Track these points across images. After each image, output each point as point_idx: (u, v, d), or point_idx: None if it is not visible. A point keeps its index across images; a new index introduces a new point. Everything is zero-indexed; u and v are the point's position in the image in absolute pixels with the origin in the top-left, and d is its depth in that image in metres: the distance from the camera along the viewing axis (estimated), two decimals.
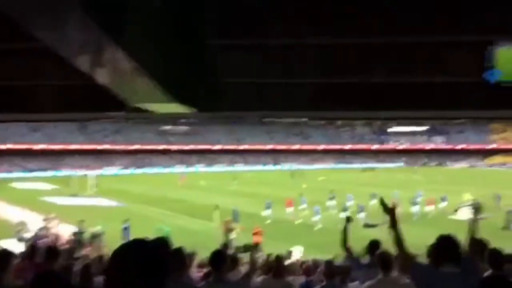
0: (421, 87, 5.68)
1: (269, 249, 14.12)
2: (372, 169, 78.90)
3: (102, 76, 3.69)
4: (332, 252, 12.68)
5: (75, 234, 20.03)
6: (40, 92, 6.41)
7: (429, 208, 31.69)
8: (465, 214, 30.48)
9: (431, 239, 4.50)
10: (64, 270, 5.86)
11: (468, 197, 33.31)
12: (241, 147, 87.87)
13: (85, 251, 11.87)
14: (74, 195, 43.30)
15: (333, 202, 32.77)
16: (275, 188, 48.95)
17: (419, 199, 32.77)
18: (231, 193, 44.18)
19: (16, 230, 21.59)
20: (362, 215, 27.79)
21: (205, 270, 7.75)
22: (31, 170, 67.93)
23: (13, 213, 30.22)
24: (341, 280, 6.19)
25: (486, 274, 4.62)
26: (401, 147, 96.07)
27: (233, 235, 22.33)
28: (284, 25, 4.27)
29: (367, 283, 5.18)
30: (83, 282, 5.60)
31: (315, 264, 9.69)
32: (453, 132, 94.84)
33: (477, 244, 5.05)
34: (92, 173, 52.34)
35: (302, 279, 7.91)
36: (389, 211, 4.45)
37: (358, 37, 4.41)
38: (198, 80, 5.06)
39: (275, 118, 75.48)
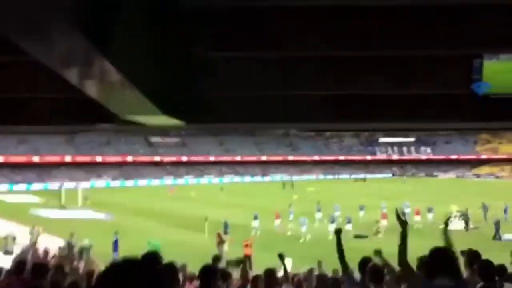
0: (408, 99, 5.72)
1: (258, 261, 14.04)
2: (363, 179, 79.33)
3: (90, 89, 3.66)
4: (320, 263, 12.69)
5: (63, 247, 19.79)
6: (29, 104, 6.37)
7: (417, 218, 31.80)
8: (454, 224, 30.65)
9: (419, 250, 4.50)
10: (52, 286, 5.77)
11: (455, 208, 33.46)
12: (231, 158, 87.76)
13: (73, 266, 11.69)
14: (63, 207, 42.89)
15: (319, 214, 32.75)
16: (266, 199, 48.88)
17: (406, 210, 32.88)
18: (221, 204, 44.02)
19: (3, 244, 21.30)
20: (349, 226, 27.79)
21: (195, 283, 7.68)
22: (18, 182, 67.22)
23: (0, 226, 29.86)
24: None
25: (478, 286, 4.62)
26: (388, 157, 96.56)
27: (225, 247, 22.28)
28: (273, 38, 4.28)
29: None
30: None
31: (306, 277, 9.64)
32: (440, 142, 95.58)
33: (468, 256, 5.06)
34: (80, 185, 51.90)
35: None
36: (404, 224, 4.53)
37: (346, 50, 4.43)
38: (187, 92, 5.05)
39: (264, 130, 75.63)
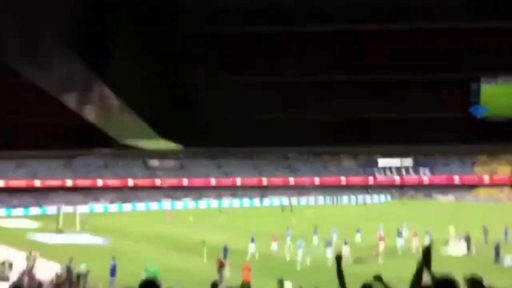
0: (407, 122, 5.73)
1: (257, 285, 13.88)
2: (364, 204, 79.04)
3: (89, 114, 3.66)
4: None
5: (61, 273, 19.57)
6: (27, 129, 6.36)
7: (415, 241, 31.49)
8: (455, 248, 30.43)
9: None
10: None
11: (453, 230, 33.23)
12: (229, 181, 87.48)
13: None
14: (60, 232, 42.54)
15: (316, 238, 32.46)
16: (264, 222, 48.58)
17: (404, 233, 32.70)
18: (219, 228, 43.72)
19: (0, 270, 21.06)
20: (347, 249, 27.52)
21: None
22: (16, 207, 66.80)
23: None
24: None
25: None
26: (387, 180, 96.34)
27: (226, 272, 22.06)
28: (271, 62, 4.31)
29: None
30: None
31: None
32: (438, 164, 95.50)
33: (471, 282, 4.96)
34: (78, 209, 51.59)
35: None
36: (428, 255, 4.43)
37: (345, 74, 4.46)
38: (185, 116, 5.06)
39: (262, 154, 75.61)
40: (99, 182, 77.64)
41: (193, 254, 29.68)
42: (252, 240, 29.25)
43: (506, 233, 33.72)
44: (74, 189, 75.18)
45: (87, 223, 46.37)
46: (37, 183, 72.46)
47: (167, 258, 29.07)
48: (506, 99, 4.42)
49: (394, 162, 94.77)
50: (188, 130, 5.23)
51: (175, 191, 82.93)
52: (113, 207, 72.98)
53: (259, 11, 3.54)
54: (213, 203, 79.05)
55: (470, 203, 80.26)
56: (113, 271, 21.56)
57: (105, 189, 77.82)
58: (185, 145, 5.30)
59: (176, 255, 30.57)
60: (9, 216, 59.30)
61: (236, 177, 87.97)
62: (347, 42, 4.07)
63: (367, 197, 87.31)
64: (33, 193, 71.38)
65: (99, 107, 3.56)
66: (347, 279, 5.84)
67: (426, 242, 30.99)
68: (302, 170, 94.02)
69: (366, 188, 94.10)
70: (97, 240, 37.97)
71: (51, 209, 61.97)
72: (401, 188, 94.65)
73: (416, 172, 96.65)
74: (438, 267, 4.15)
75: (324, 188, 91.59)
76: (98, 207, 71.19)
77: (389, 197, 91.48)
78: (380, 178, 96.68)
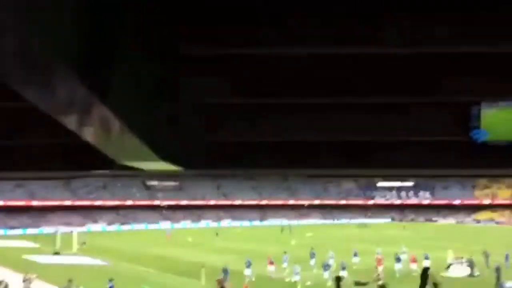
0: (407, 146, 5.72)
1: None
2: (364, 225, 78.52)
3: (88, 135, 3.64)
4: None
5: None
6: (26, 150, 6.34)
7: (414, 265, 31.17)
8: (457, 271, 30.18)
9: None
10: None
11: (451, 254, 32.96)
12: (228, 202, 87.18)
13: None
14: (57, 253, 42.20)
15: (313, 260, 32.09)
16: (264, 244, 48.25)
17: (403, 256, 32.43)
18: (218, 250, 43.40)
19: None
20: (344, 272, 27.27)
21: None
22: (12, 228, 66.40)
23: None
24: None
25: None
26: (387, 202, 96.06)
27: None
28: (271, 84, 4.31)
29: None
30: None
31: None
32: (438, 187, 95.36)
33: None
34: (76, 230, 51.28)
35: None
36: (425, 276, 4.38)
37: (345, 97, 4.46)
38: (185, 138, 5.04)
39: (263, 176, 75.51)
40: (97, 203, 77.37)
41: (191, 276, 29.39)
42: (249, 265, 28.74)
43: (507, 257, 33.44)
44: (72, 210, 74.89)
45: (85, 244, 46.05)
46: (35, 203, 72.18)
47: (166, 280, 28.78)
48: (507, 123, 4.42)
49: (394, 184, 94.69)
50: (188, 152, 5.21)
51: (174, 212, 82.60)
52: (111, 228, 72.59)
53: (262, 33, 3.55)
54: (212, 224, 78.68)
55: (470, 226, 79.95)
56: None
57: (104, 209, 77.51)
58: (185, 167, 5.27)
59: (174, 277, 30.27)
60: (6, 237, 58.87)
61: (235, 199, 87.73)
62: (346, 65, 4.08)
63: (367, 219, 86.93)
64: (31, 213, 71.06)
65: (99, 128, 3.54)
66: None
67: (425, 265, 30.80)
68: (302, 191, 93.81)
69: (366, 210, 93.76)
70: (95, 261, 37.65)
71: (49, 230, 61.64)
72: (402, 211, 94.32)
73: (416, 195, 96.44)
74: None
75: (323, 210, 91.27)
76: (96, 227, 70.82)
77: (389, 219, 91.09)
78: (380, 200, 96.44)
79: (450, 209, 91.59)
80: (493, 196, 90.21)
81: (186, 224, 78.65)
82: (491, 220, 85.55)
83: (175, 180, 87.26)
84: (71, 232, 49.18)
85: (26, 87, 2.57)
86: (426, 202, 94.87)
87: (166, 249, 45.40)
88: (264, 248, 42.30)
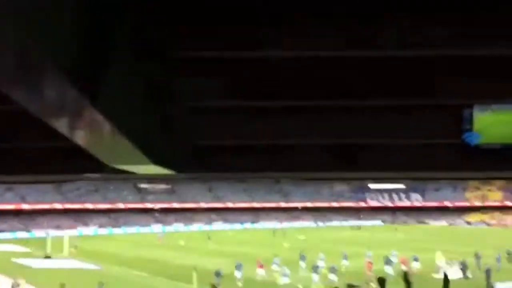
0: (398, 148, 5.72)
1: None
2: (358, 227, 78.63)
3: (79, 138, 3.61)
4: None
5: None
6: (16, 153, 6.28)
7: (404, 267, 31.25)
8: (448, 273, 30.25)
9: None
10: None
11: (440, 256, 33.01)
12: (220, 205, 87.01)
13: None
14: (48, 257, 41.87)
15: (303, 263, 32.08)
16: (256, 247, 48.16)
17: (393, 258, 32.50)
18: (210, 253, 43.27)
19: None
20: (333, 276, 27.30)
21: None
22: (2, 231, 65.82)
23: None
24: None
25: None
26: (379, 204, 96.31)
27: None
28: (263, 88, 4.29)
29: None
30: None
31: None
32: (430, 189, 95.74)
33: None
34: (67, 233, 50.93)
35: None
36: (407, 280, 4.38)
37: (336, 100, 4.45)
38: (178, 142, 5.01)
39: (255, 179, 75.49)
40: (89, 206, 76.89)
41: (183, 280, 29.26)
42: (239, 268, 28.70)
43: (498, 259, 33.62)
44: (63, 213, 74.37)
45: (77, 247, 45.73)
46: (26, 207, 71.60)
47: (157, 284, 28.64)
48: (499, 126, 4.43)
49: (386, 187, 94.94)
50: (181, 155, 5.18)
51: (166, 215, 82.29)
52: (103, 231, 72.16)
53: (256, 35, 3.53)
54: (205, 227, 78.46)
55: (461, 228, 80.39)
56: None
57: (95, 212, 77.07)
58: (177, 171, 5.24)
59: (166, 281, 30.13)
60: None
61: (227, 201, 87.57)
62: (339, 66, 4.07)
63: (359, 221, 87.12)
64: (22, 217, 70.49)
65: (90, 131, 3.51)
66: None
67: (415, 267, 30.87)
68: (294, 194, 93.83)
69: (358, 212, 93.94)
70: (86, 265, 37.39)
71: (39, 234, 61.16)
72: (393, 213, 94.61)
73: (408, 197, 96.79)
74: None
75: (316, 212, 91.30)
76: (88, 231, 70.37)
77: (381, 222, 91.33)
78: (372, 203, 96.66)
79: (441, 211, 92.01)
80: (484, 198, 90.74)
81: (178, 227, 78.35)
82: (482, 222, 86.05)
83: (167, 183, 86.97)
84: (62, 235, 48.84)
85: (17, 89, 2.53)
86: (417, 204, 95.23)
87: (158, 252, 45.20)
88: (256, 251, 42.21)
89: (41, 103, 2.82)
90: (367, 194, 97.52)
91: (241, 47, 3.59)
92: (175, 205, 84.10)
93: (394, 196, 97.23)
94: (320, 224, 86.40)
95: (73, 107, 2.87)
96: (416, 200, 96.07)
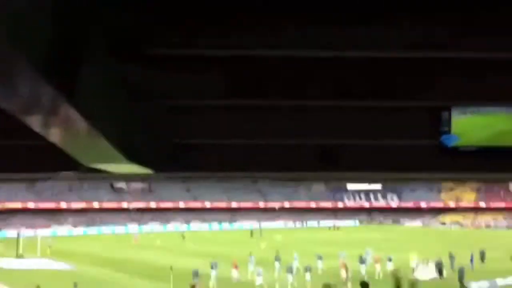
0: (375, 149, 5.76)
1: None
2: (337, 227, 79.12)
3: (54, 136, 3.52)
4: None
5: None
6: None
7: (378, 267, 31.65)
8: (424, 273, 30.69)
9: None
10: None
11: (414, 256, 33.46)
12: (198, 205, 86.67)
13: None
14: (20, 257, 41.10)
15: (278, 263, 32.19)
16: (233, 247, 48.09)
17: (368, 258, 32.85)
18: (187, 253, 43.04)
19: None
20: (308, 275, 27.51)
21: None
22: None
23: None
24: None
25: None
26: (356, 205, 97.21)
27: None
28: (240, 86, 4.27)
29: None
30: None
31: None
32: (406, 190, 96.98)
33: None
34: (40, 233, 50.07)
35: None
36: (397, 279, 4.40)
37: (314, 100, 4.44)
38: (155, 141, 4.95)
39: (233, 178, 75.40)
40: (63, 205, 75.72)
41: (159, 280, 29.05)
42: (214, 268, 28.67)
43: (471, 259, 34.23)
44: (36, 212, 73.11)
45: (50, 247, 45.00)
46: None
47: (133, 285, 28.37)
48: (477, 128, 4.48)
49: (363, 187, 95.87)
50: (158, 154, 5.12)
51: (142, 215, 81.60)
52: (78, 231, 71.19)
53: (238, 34, 3.50)
54: (182, 227, 78.02)
55: (436, 229, 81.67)
56: None
57: (70, 212, 75.97)
58: (155, 170, 5.17)
59: (142, 282, 29.87)
60: None
61: (205, 201, 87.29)
62: (318, 68, 4.06)
63: (336, 221, 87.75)
64: None
65: (65, 129, 3.43)
66: None
67: (389, 267, 31.23)
68: (272, 194, 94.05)
69: (335, 213, 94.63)
70: (60, 265, 36.82)
71: (11, 233, 59.91)
72: (370, 213, 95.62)
73: (384, 197, 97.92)
74: None
75: (293, 213, 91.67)
76: (62, 230, 69.35)
77: (357, 222, 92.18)
78: (350, 203, 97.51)
79: (417, 211, 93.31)
80: (458, 199, 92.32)
81: (154, 226, 77.76)
82: (456, 222, 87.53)
83: (143, 182, 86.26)
84: (35, 235, 48.01)
85: None
86: (393, 205, 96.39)
87: (133, 252, 44.79)
88: (233, 251, 42.15)
89: (15, 100, 2.74)
90: (344, 195, 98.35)
91: (220, 44, 3.55)
92: (153, 204, 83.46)
93: (371, 196, 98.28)
94: (298, 224, 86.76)
95: (48, 105, 2.80)
96: (392, 201, 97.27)
